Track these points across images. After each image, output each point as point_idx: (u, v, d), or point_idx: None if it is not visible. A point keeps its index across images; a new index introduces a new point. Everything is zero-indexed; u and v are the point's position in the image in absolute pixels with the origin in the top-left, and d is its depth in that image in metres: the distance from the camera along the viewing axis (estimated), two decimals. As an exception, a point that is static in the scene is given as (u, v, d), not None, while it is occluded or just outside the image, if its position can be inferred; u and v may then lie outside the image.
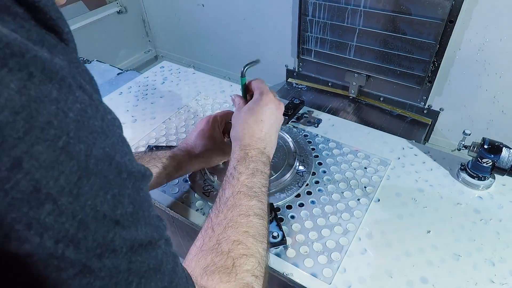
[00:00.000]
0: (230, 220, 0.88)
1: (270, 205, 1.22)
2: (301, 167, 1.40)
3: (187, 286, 0.62)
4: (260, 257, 0.84)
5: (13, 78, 0.37)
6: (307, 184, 1.34)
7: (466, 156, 1.35)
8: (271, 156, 1.10)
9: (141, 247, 0.51)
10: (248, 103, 1.13)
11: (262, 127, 1.08)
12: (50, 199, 0.40)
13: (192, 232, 1.36)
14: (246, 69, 1.19)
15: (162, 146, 1.52)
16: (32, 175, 0.38)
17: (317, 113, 1.68)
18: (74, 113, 0.42)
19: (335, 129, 1.59)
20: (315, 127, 1.61)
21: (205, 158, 1.28)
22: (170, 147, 1.44)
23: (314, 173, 1.39)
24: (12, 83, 0.37)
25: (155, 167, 1.16)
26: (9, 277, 0.39)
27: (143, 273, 0.51)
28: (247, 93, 1.22)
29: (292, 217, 1.23)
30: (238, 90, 1.87)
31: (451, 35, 2.00)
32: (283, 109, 1.16)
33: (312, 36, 2.44)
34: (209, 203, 1.30)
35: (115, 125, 0.52)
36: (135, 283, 0.49)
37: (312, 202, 1.28)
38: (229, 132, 1.15)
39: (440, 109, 2.33)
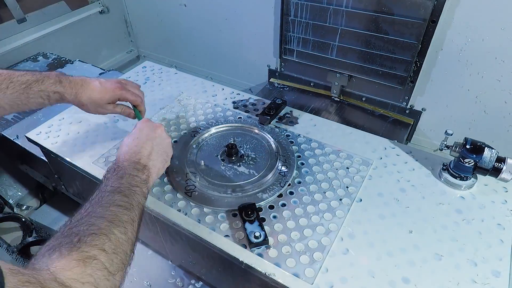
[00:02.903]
0: (89, 212, 0.92)
1: (252, 206, 1.21)
2: (283, 167, 1.39)
3: None
4: (115, 238, 0.88)
5: None
6: (290, 184, 1.34)
7: (448, 156, 1.35)
8: (149, 163, 1.18)
9: None
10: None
11: (135, 142, 1.20)
12: None
13: (174, 232, 1.35)
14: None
15: None
16: None
17: (299, 113, 1.68)
18: None
19: (317, 129, 1.59)
20: (289, 125, 1.61)
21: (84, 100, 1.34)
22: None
23: (296, 173, 1.39)
24: None
25: (40, 98, 1.26)
26: None
27: None
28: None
29: (274, 217, 1.22)
30: (219, 90, 1.86)
31: (433, 35, 2.00)
32: (155, 126, 1.29)
33: (294, 36, 2.43)
34: (191, 203, 1.29)
35: None
36: None
37: (294, 202, 1.28)
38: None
39: (422, 109, 2.34)
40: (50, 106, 1.33)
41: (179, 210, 1.27)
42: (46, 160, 1.80)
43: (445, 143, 1.34)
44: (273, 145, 1.47)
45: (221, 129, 1.60)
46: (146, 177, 1.13)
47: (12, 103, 1.21)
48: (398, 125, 2.37)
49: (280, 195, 1.30)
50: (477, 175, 1.32)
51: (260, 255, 1.12)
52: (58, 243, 0.79)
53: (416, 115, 2.37)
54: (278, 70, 2.74)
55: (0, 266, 0.61)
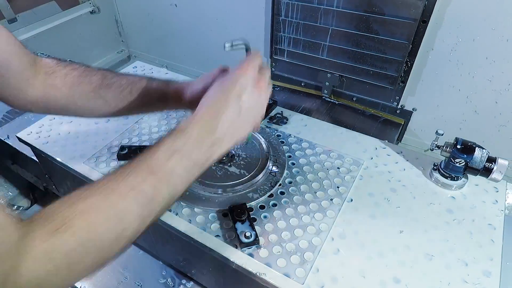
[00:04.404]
0: (102, 190, 0.76)
1: (243, 206, 1.21)
2: (274, 167, 1.39)
3: None
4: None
5: None
6: (280, 184, 1.34)
7: (439, 156, 1.35)
8: (226, 146, 0.93)
9: None
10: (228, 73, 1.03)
11: (226, 107, 0.92)
12: None
13: (164, 232, 1.35)
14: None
15: (135, 146, 1.50)
16: None
17: (289, 113, 1.68)
18: None
19: (308, 129, 1.59)
20: (280, 124, 1.62)
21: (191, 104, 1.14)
22: (144, 147, 1.44)
23: (287, 173, 1.38)
24: None
25: (141, 96, 1.20)
26: None
27: None
28: None
29: (265, 217, 1.22)
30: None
31: (424, 35, 2.00)
32: (268, 93, 1.03)
33: (285, 36, 2.43)
34: (181, 203, 1.29)
35: None
36: None
37: (285, 202, 1.27)
38: None
39: (413, 109, 2.34)
40: (153, 110, 1.32)
41: (170, 210, 1.26)
42: (37, 160, 1.79)
43: (436, 143, 1.34)
44: (264, 145, 1.47)
45: (212, 129, 1.59)
46: (206, 162, 0.90)
47: (116, 99, 1.20)
48: (389, 125, 2.37)
49: (271, 195, 1.30)
50: (468, 175, 1.32)
51: (250, 255, 1.12)
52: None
53: (407, 115, 2.37)
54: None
55: None
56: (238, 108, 0.93)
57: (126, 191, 0.76)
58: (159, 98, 1.22)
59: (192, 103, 1.11)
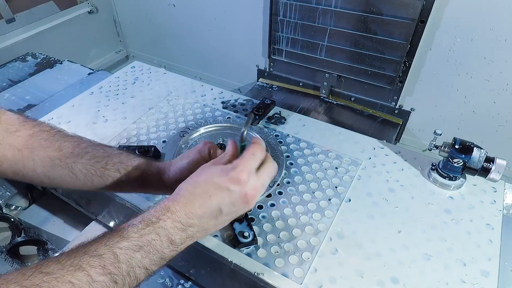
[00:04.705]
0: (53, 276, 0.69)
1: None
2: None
3: None
4: None
5: None
6: (278, 184, 1.34)
7: (437, 156, 1.35)
8: (195, 239, 0.91)
9: None
10: (227, 164, 0.93)
11: (209, 204, 0.88)
12: None
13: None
14: (246, 132, 0.98)
15: (133, 146, 1.50)
16: None
17: (287, 113, 1.67)
18: None
19: (306, 129, 1.59)
20: (278, 124, 1.62)
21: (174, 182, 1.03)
22: (142, 148, 1.43)
23: (285, 173, 1.38)
24: None
25: (117, 172, 1.06)
26: None
27: None
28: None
29: (263, 217, 1.22)
30: (208, 90, 1.86)
31: (422, 35, 2.00)
32: (261, 191, 0.93)
33: (283, 36, 2.43)
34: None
35: None
36: None
37: (283, 202, 1.27)
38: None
39: (411, 109, 2.34)
40: (128, 191, 1.15)
41: (168, 211, 1.26)
42: (35, 160, 1.79)
43: (434, 143, 1.34)
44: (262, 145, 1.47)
45: (210, 129, 1.59)
46: (172, 253, 0.86)
47: (86, 172, 1.05)
48: (387, 125, 2.37)
49: (269, 195, 1.30)
50: (466, 175, 1.32)
51: (249, 255, 1.12)
52: None
53: (405, 115, 2.37)
54: (267, 70, 2.74)
55: None
56: (218, 212, 0.89)
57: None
58: (138, 177, 1.08)
59: (176, 182, 0.97)
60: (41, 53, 2.68)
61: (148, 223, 0.81)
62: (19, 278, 0.66)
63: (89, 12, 3.28)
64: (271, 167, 0.96)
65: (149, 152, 1.44)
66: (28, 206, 2.31)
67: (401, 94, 2.28)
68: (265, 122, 1.63)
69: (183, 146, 1.51)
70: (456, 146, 1.25)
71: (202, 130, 1.58)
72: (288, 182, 1.35)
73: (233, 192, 0.88)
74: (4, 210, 2.20)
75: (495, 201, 1.29)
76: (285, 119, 1.65)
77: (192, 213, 0.86)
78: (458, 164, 1.26)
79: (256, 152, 0.93)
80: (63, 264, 0.70)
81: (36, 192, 2.38)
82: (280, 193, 1.31)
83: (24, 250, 1.87)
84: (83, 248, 0.74)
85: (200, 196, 0.88)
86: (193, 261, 1.39)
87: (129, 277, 0.76)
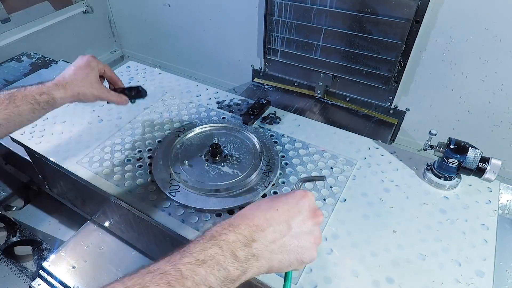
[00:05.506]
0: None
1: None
2: (267, 167, 1.38)
3: None
4: None
5: None
6: (273, 184, 1.34)
7: (432, 156, 1.36)
8: (261, 264, 0.81)
9: None
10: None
11: (275, 216, 0.85)
12: None
13: (158, 232, 1.35)
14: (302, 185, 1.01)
15: (120, 88, 1.52)
16: None
17: (282, 113, 1.67)
18: None
19: (301, 129, 1.59)
20: (273, 124, 1.62)
21: (75, 88, 1.31)
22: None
23: (280, 173, 1.38)
24: None
25: (29, 104, 1.21)
26: None
27: None
28: None
29: (258, 218, 1.22)
30: (203, 90, 1.86)
31: (417, 35, 2.00)
32: (318, 227, 0.90)
33: (278, 36, 2.43)
34: (175, 203, 1.28)
35: None
36: None
37: (278, 202, 1.27)
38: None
39: (406, 109, 2.34)
40: (45, 112, 1.28)
41: (163, 210, 1.26)
42: (30, 160, 1.78)
43: (429, 143, 1.34)
44: (257, 145, 1.47)
45: (205, 129, 1.59)
46: (237, 273, 0.77)
47: (7, 117, 1.17)
48: (382, 125, 2.37)
49: (264, 195, 1.30)
50: (461, 175, 1.33)
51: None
52: None
53: (400, 115, 2.37)
54: (262, 70, 2.74)
55: None
56: (286, 228, 0.85)
57: None
58: (32, 101, 1.23)
59: (70, 76, 1.34)
60: (36, 53, 2.67)
61: (210, 237, 0.79)
62: None
63: (84, 12, 3.27)
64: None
65: (134, 90, 1.50)
66: (23, 206, 2.31)
67: (396, 94, 2.28)
68: (260, 122, 1.63)
69: (178, 146, 1.50)
70: (451, 146, 1.26)
71: (197, 130, 1.57)
72: (283, 182, 1.35)
73: (302, 207, 0.87)
74: (0, 210, 2.20)
75: (490, 201, 1.29)
76: (280, 119, 1.65)
77: (256, 226, 0.82)
78: (453, 164, 1.26)
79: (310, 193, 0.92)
80: (125, 283, 0.69)
81: (31, 192, 2.37)
82: (275, 193, 1.31)
83: (19, 250, 1.87)
84: (145, 268, 0.73)
85: (265, 210, 0.86)
86: None
87: None
